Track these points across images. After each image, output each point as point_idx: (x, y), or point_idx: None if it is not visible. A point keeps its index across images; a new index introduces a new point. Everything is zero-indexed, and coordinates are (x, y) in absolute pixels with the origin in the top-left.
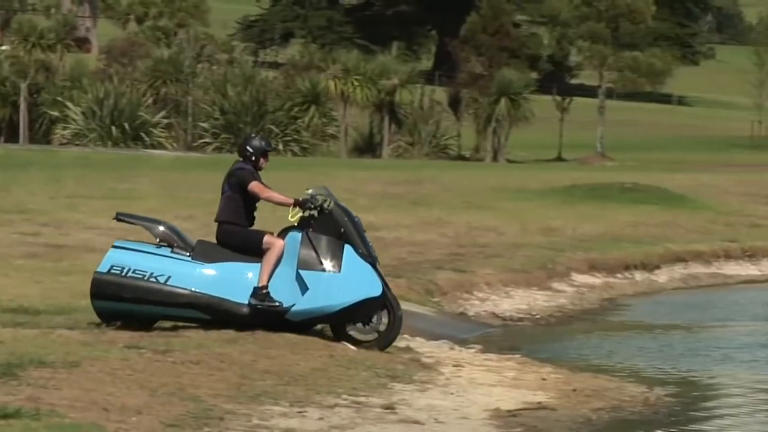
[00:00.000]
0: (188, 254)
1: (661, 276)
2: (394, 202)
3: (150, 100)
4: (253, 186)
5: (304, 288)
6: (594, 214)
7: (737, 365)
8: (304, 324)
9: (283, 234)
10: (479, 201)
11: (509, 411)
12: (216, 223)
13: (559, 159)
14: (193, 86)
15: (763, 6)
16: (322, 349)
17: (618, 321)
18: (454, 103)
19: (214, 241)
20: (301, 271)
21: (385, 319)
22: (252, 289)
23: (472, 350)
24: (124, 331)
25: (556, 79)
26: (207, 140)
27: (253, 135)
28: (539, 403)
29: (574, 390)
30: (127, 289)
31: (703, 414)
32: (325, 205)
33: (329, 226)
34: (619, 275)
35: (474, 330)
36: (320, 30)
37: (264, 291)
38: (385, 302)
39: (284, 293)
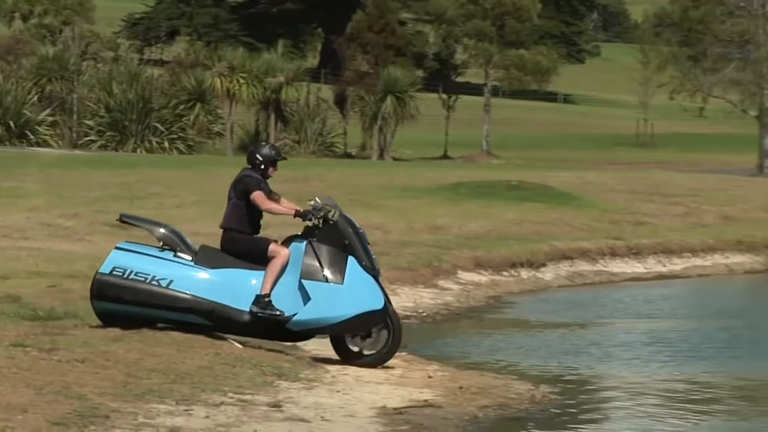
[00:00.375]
0: (191, 259)
1: (547, 273)
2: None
3: (35, 98)
4: (255, 196)
5: (306, 298)
6: (480, 212)
7: (619, 363)
8: (305, 334)
9: (287, 243)
10: (365, 199)
11: (396, 409)
12: (221, 230)
13: (445, 157)
14: (78, 84)
15: (649, 4)
16: (208, 347)
17: (504, 318)
18: (340, 101)
19: (218, 247)
20: (304, 281)
21: (384, 333)
22: (254, 297)
23: None
24: (10, 330)
25: (442, 77)
26: (92, 138)
27: (263, 143)
28: (426, 400)
29: (461, 388)
30: (129, 291)
31: (587, 411)
32: (330, 216)
33: (333, 237)
34: (505, 273)
35: None
36: (206, 28)
37: (266, 299)
38: (385, 316)
39: (286, 302)
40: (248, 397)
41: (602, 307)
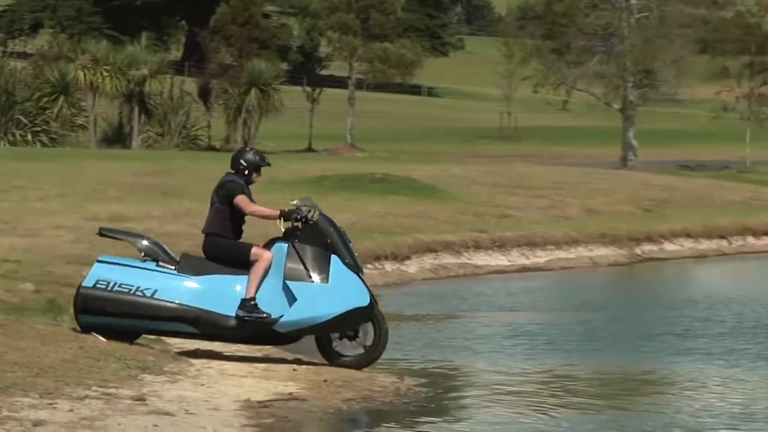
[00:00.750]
0: (173, 268)
1: (411, 266)
2: (144, 192)
3: None
4: (239, 200)
5: (291, 299)
6: (344, 205)
7: (480, 356)
8: (292, 335)
9: (269, 245)
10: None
11: (260, 402)
12: (203, 234)
13: (310, 150)
14: None
15: None
16: (71, 340)
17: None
18: (204, 94)
19: (200, 254)
20: (288, 282)
21: (371, 333)
22: (239, 301)
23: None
24: None
25: (306, 70)
26: None
27: (247, 149)
28: (290, 393)
29: (325, 381)
30: (113, 303)
31: (450, 404)
32: (310, 216)
33: (315, 237)
34: (369, 266)
35: None
36: (69, 20)
37: (252, 303)
38: (371, 314)
39: (272, 304)
40: (112, 390)
41: (464, 300)
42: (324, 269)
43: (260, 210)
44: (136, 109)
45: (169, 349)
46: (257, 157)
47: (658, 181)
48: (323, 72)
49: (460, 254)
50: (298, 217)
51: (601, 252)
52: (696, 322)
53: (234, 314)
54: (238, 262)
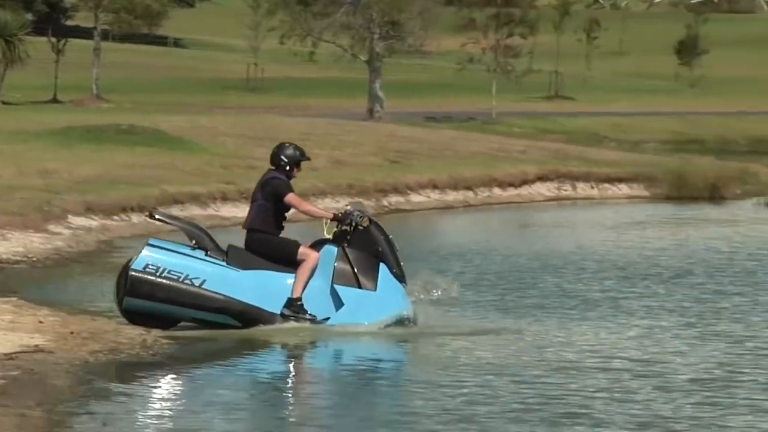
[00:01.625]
0: (222, 259)
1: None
2: None
3: None
4: (291, 198)
5: (338, 303)
6: (91, 156)
7: None
8: None
9: (316, 246)
10: None
11: (6, 354)
12: (245, 230)
13: (55, 101)
14: None
15: None
16: None
17: (115, 263)
18: None
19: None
20: (336, 286)
21: None
22: (286, 300)
23: None
24: None
25: (51, 21)
26: None
27: (287, 144)
28: (36, 346)
29: (72, 333)
30: (162, 289)
31: (196, 354)
32: (361, 222)
33: (366, 244)
34: (116, 217)
35: None
36: None
37: (298, 303)
38: (411, 322)
39: (318, 306)
40: None
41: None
42: (373, 276)
43: (314, 210)
44: None
45: None
46: (297, 153)
47: (404, 132)
48: (69, 23)
49: (207, 206)
50: (350, 221)
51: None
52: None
53: (279, 312)
54: (285, 259)
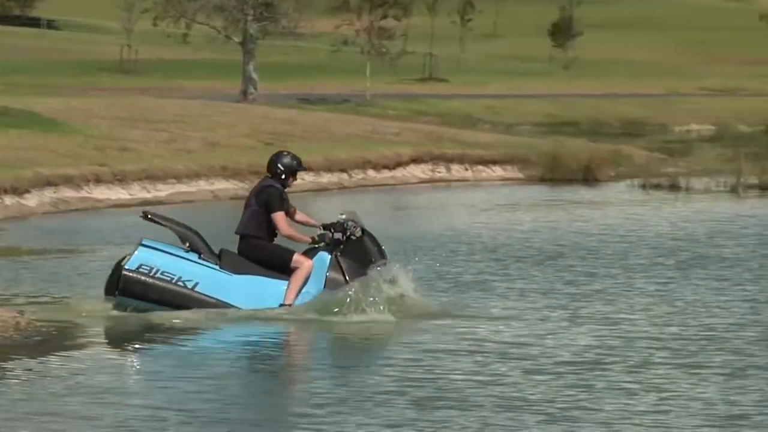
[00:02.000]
0: (215, 262)
1: (31, 200)
2: None
3: None
4: (278, 218)
5: None
6: None
7: (90, 289)
8: None
9: (309, 254)
10: None
11: None
12: (237, 236)
13: None
14: None
15: None
16: None
17: None
18: None
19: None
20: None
21: None
22: (278, 306)
23: None
24: None
25: None
26: None
27: (284, 153)
28: None
29: None
30: (155, 290)
31: (68, 336)
32: (355, 232)
33: (359, 253)
34: None
35: None
36: None
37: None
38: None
39: None
40: None
41: (84, 234)
42: None
43: (296, 235)
44: None
45: None
46: (294, 162)
47: (278, 114)
48: None
49: (80, 188)
50: (344, 231)
51: (222, 185)
52: None
53: None
54: (279, 266)
